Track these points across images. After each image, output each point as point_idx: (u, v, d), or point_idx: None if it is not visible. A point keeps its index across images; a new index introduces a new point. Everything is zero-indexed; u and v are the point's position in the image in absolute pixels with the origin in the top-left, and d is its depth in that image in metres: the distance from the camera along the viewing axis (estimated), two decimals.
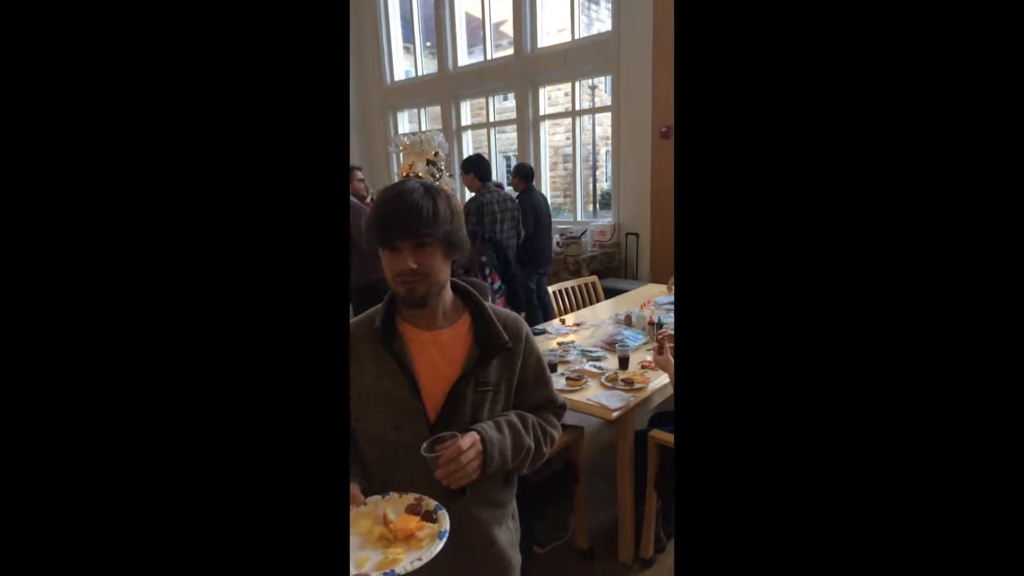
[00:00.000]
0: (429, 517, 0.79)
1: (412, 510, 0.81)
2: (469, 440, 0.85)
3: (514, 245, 3.46)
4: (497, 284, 2.64)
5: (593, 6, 5.96)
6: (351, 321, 0.99)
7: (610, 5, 4.86)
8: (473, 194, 3.35)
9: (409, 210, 0.84)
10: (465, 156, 6.27)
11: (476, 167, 3.32)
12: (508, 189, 3.70)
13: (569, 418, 1.11)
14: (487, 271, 2.57)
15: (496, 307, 1.00)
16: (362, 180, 3.40)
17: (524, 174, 3.79)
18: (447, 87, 6.22)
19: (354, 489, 0.85)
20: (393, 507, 0.82)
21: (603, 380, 1.84)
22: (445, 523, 0.78)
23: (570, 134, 5.57)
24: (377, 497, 0.85)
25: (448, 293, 0.96)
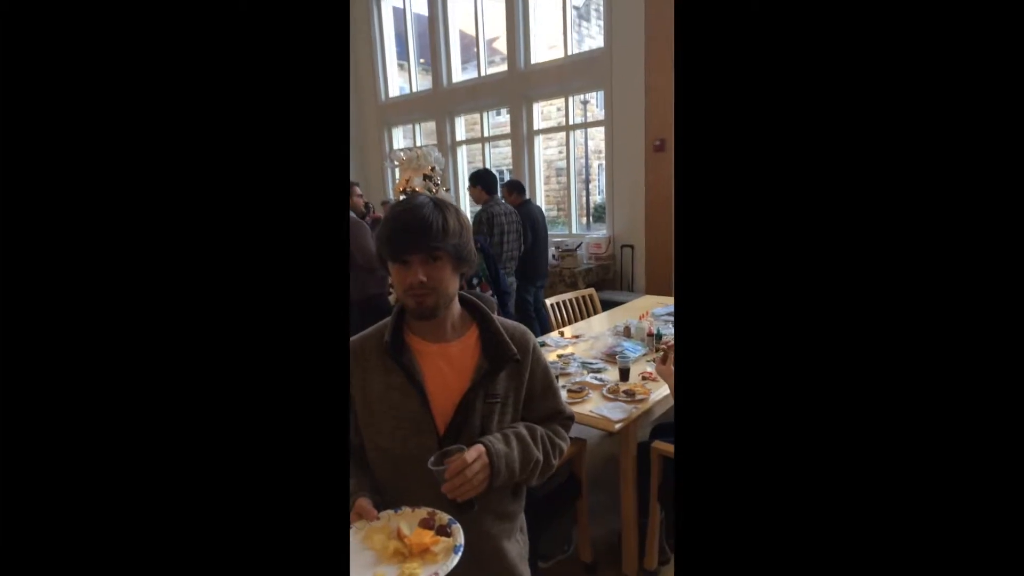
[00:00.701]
0: (443, 531, 0.79)
1: (426, 524, 0.80)
2: (475, 453, 0.85)
3: (518, 257, 3.51)
4: (488, 294, 2.66)
5: (584, 23, 6.05)
6: (360, 335, 0.99)
7: (601, 22, 4.94)
8: (479, 207, 3.42)
9: (420, 224, 0.85)
10: (459, 171, 6.33)
11: (483, 180, 3.41)
12: None
13: (571, 431, 1.11)
14: (476, 281, 2.59)
15: (503, 319, 1.01)
16: (360, 196, 3.42)
17: (518, 188, 3.83)
18: (441, 103, 6.27)
19: (367, 503, 0.85)
20: (406, 521, 0.81)
21: (604, 392, 1.84)
22: (459, 537, 0.78)
23: (563, 148, 5.62)
24: (390, 512, 0.85)
25: (456, 306, 0.97)
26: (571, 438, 1.28)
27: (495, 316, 1.00)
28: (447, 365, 0.95)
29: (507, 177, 5.37)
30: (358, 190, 3.39)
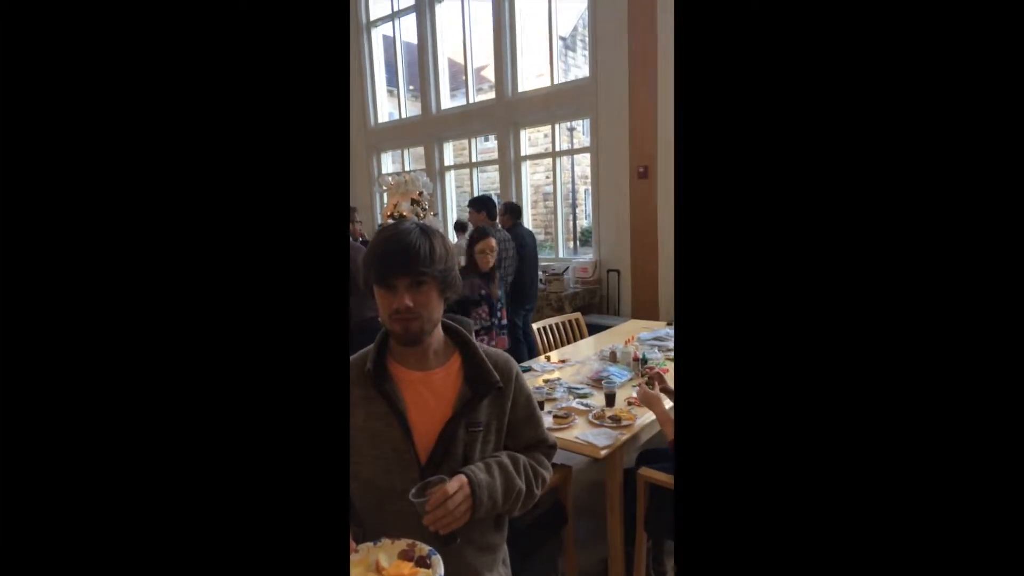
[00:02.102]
0: (423, 563, 0.78)
1: (405, 556, 0.79)
2: (456, 484, 0.84)
3: (510, 282, 3.55)
4: (505, 321, 2.67)
5: (571, 53, 6.19)
6: None
7: (587, 53, 5.06)
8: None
9: (406, 249, 0.86)
10: (447, 195, 6.37)
11: (487, 206, 3.48)
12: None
13: (557, 457, 1.10)
14: (499, 307, 2.59)
15: (486, 347, 1.01)
16: (360, 222, 3.45)
17: (512, 211, 3.86)
18: (430, 129, 6.34)
19: None
20: (386, 553, 0.80)
21: (590, 418, 1.83)
22: (439, 568, 0.77)
23: (550, 173, 5.69)
24: (369, 544, 0.83)
25: (439, 332, 0.97)
26: (556, 465, 1.27)
27: (478, 343, 1.00)
28: (429, 393, 0.95)
29: (497, 202, 5.42)
30: (358, 216, 3.41)
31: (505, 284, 3.33)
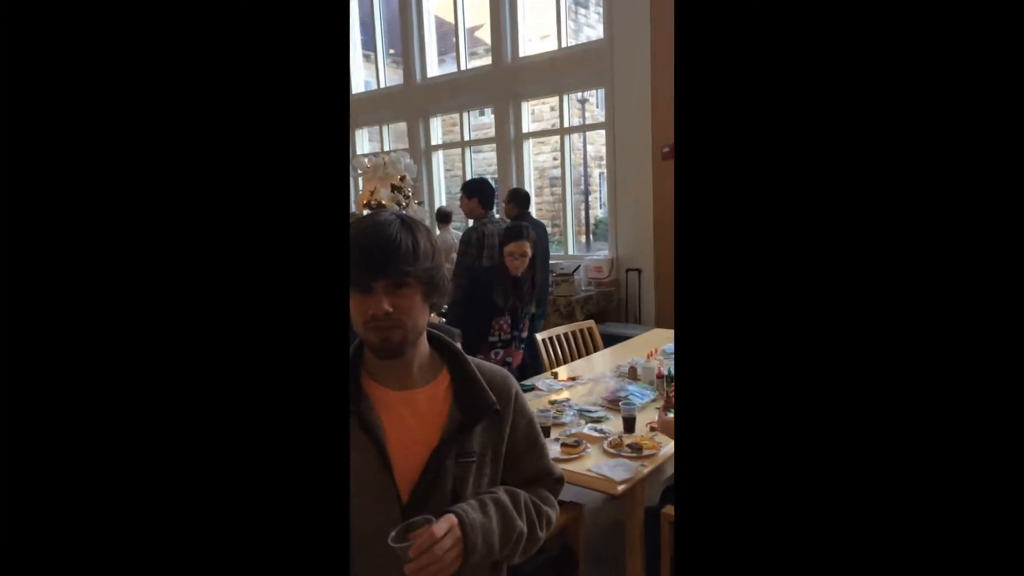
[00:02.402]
0: None
1: None
2: (445, 525, 0.84)
3: None
4: (525, 334, 2.66)
5: (582, 10, 6.22)
6: None
7: (601, 9, 5.08)
8: (471, 222, 3.43)
9: (386, 245, 0.85)
10: (434, 180, 6.38)
11: (480, 192, 3.41)
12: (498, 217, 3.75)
13: (566, 493, 1.11)
14: (522, 318, 2.57)
15: (480, 361, 1.01)
16: None
17: (518, 199, 3.84)
18: (414, 101, 6.36)
19: None
20: None
21: (605, 446, 1.83)
22: None
23: (558, 154, 5.70)
24: None
25: (424, 344, 0.97)
26: (564, 503, 1.28)
27: (471, 358, 1.00)
28: (413, 417, 0.95)
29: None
30: None
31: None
